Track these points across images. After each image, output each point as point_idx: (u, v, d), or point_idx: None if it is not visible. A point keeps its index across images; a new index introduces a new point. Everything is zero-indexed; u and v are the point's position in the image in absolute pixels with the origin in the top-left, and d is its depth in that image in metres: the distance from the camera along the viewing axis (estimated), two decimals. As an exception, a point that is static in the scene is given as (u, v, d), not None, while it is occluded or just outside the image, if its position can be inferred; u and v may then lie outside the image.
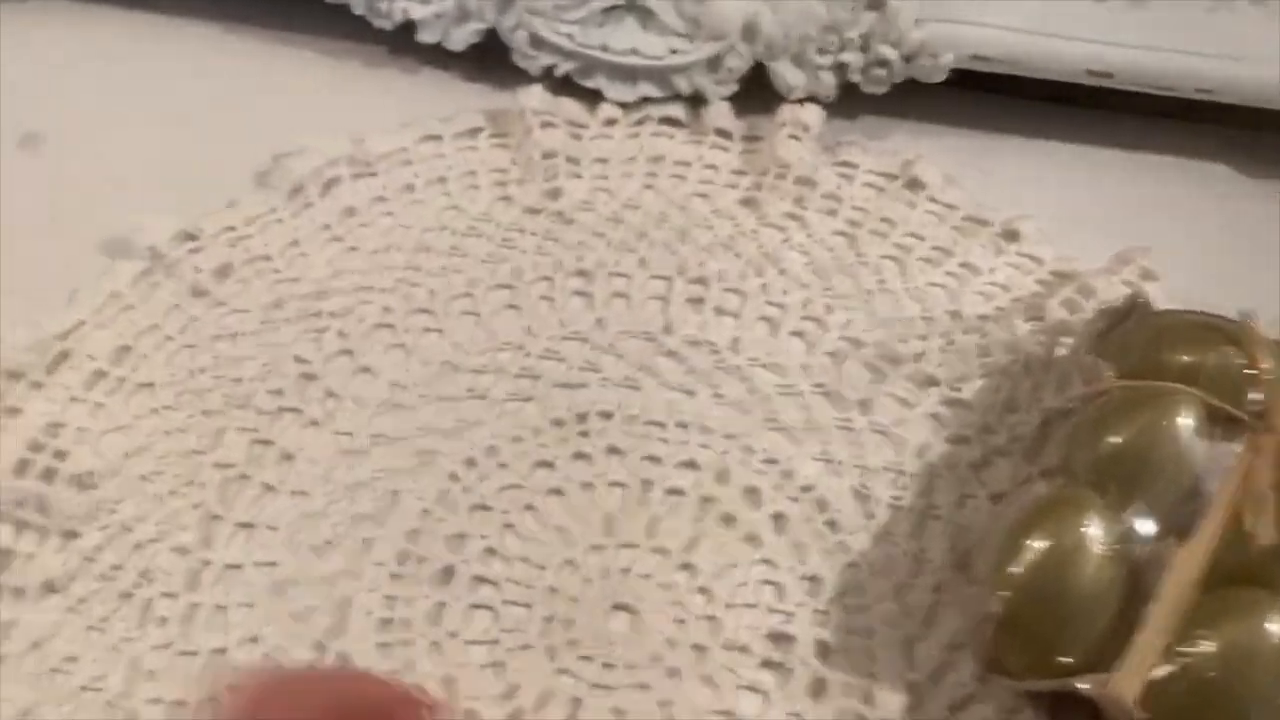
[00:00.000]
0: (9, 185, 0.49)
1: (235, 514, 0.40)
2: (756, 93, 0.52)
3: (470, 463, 0.42)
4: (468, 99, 0.53)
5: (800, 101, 0.51)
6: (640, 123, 0.52)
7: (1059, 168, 0.52)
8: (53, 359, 0.43)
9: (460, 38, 0.51)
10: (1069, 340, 0.45)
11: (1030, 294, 0.47)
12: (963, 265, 0.49)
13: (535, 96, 0.51)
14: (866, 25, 0.49)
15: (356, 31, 0.53)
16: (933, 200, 0.50)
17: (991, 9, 0.49)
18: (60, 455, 0.41)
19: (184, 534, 0.40)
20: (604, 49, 0.50)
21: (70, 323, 0.44)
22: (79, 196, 0.49)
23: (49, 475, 0.40)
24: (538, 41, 0.50)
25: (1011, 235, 0.49)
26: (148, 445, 0.42)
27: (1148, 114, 0.51)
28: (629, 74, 0.51)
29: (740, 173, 0.51)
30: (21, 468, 0.40)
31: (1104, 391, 0.39)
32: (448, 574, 0.40)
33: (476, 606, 0.39)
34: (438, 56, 0.53)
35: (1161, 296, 0.46)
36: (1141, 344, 0.40)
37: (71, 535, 0.39)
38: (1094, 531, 0.36)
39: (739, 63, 0.50)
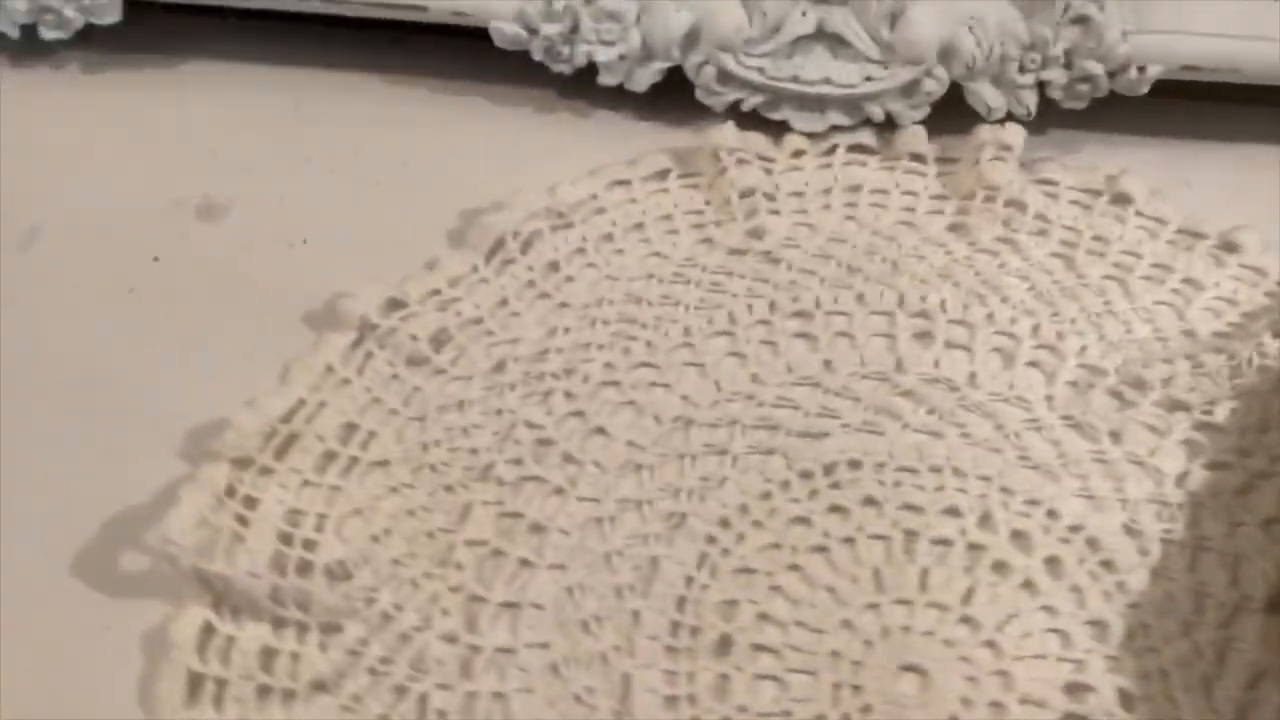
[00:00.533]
0: (196, 258, 0.47)
1: (497, 594, 0.39)
2: (945, 113, 0.50)
3: (724, 523, 0.41)
4: (645, 140, 0.51)
5: (1000, 121, 0.49)
6: (829, 152, 0.51)
7: (1264, 172, 0.50)
8: (280, 443, 0.42)
9: (643, 78, 0.50)
10: (1315, 354, 0.44)
11: (1261, 307, 0.46)
12: (1185, 281, 0.47)
13: (728, 133, 0.49)
14: (1070, 41, 0.47)
15: (522, 75, 0.52)
16: (1141, 215, 0.49)
17: (1199, 15, 0.47)
18: (310, 545, 0.39)
19: (448, 620, 0.38)
20: (795, 80, 0.49)
21: (291, 402, 0.43)
22: (269, 267, 0.47)
23: (304, 568, 0.39)
24: (725, 77, 0.49)
25: (1231, 247, 0.48)
26: (393, 527, 0.40)
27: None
28: (818, 104, 0.49)
29: (942, 197, 0.49)
30: (277, 560, 0.39)
31: (1398, 412, 0.38)
32: (725, 644, 0.38)
33: (761, 677, 0.38)
34: (609, 97, 0.52)
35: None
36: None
37: (334, 629, 0.38)
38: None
39: (936, 86, 0.48)
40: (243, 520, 0.40)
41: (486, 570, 0.39)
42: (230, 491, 0.40)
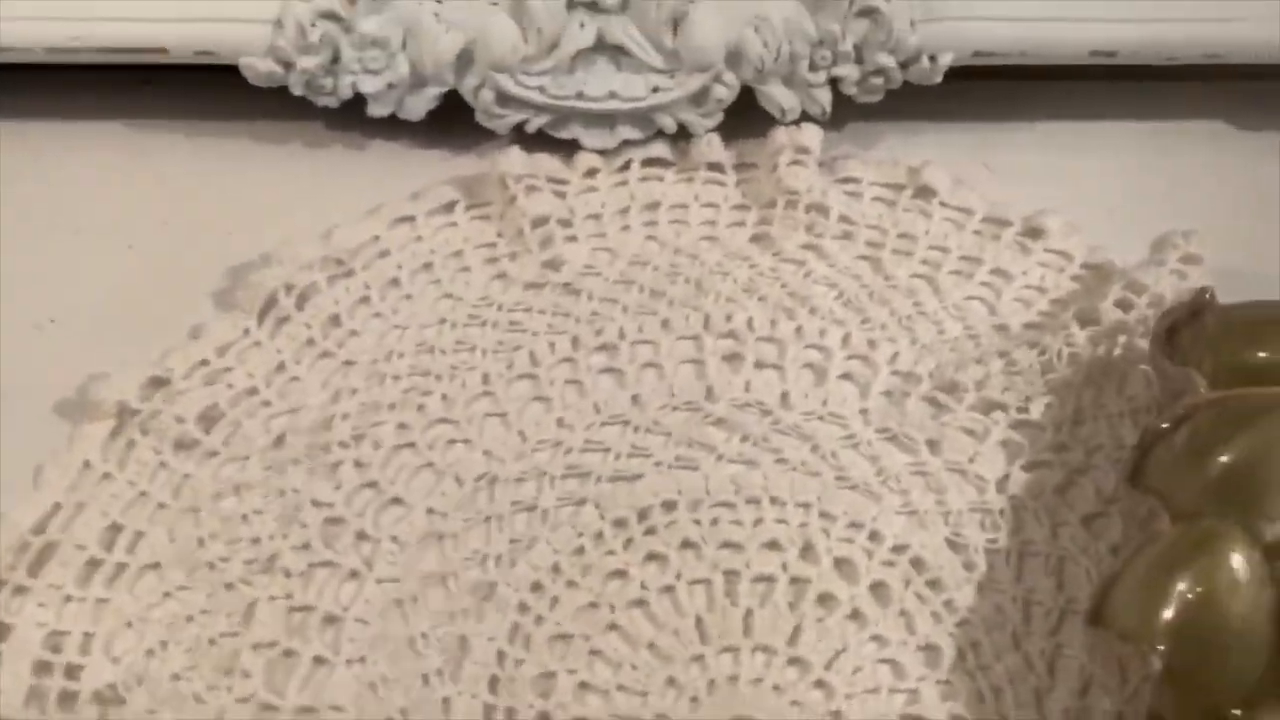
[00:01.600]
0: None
1: (290, 700, 0.36)
2: (740, 118, 0.48)
3: (537, 587, 0.38)
4: (428, 171, 0.48)
5: (795, 122, 0.47)
6: (624, 168, 0.48)
7: (1066, 150, 0.50)
8: (34, 556, 0.37)
9: (417, 107, 0.46)
10: (1123, 339, 0.43)
11: (1070, 294, 0.45)
12: (993, 272, 0.46)
13: (515, 159, 0.46)
14: (859, 35, 0.45)
15: (286, 110, 0.48)
16: (946, 207, 0.48)
17: (986, 2, 0.46)
18: (73, 672, 0.35)
19: (237, 735, 0.35)
20: (580, 97, 0.46)
21: (44, 509, 0.38)
22: (14, 352, 0.42)
23: (68, 700, 0.35)
24: (505, 99, 0.46)
25: (1035, 233, 0.47)
26: (170, 638, 0.36)
27: (1151, 79, 0.49)
28: (607, 119, 0.47)
29: (743, 207, 0.47)
30: (33, 697, 0.35)
31: (1201, 405, 0.37)
32: (544, 722, 0.36)
33: (585, 754, 0.35)
34: (384, 127, 0.48)
35: (1207, 276, 0.44)
36: (1227, 346, 0.38)
37: (110, 763, 0.34)
38: (1240, 562, 0.34)
39: (726, 92, 0.46)
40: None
41: (277, 675, 0.36)
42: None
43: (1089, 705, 0.37)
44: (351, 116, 0.48)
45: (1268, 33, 0.46)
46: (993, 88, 0.50)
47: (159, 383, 0.41)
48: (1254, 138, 0.50)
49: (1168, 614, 0.33)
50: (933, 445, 0.41)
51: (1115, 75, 0.49)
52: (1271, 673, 0.33)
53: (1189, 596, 0.33)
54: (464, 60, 0.45)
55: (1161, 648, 0.33)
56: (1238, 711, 0.33)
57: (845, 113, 0.49)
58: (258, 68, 0.45)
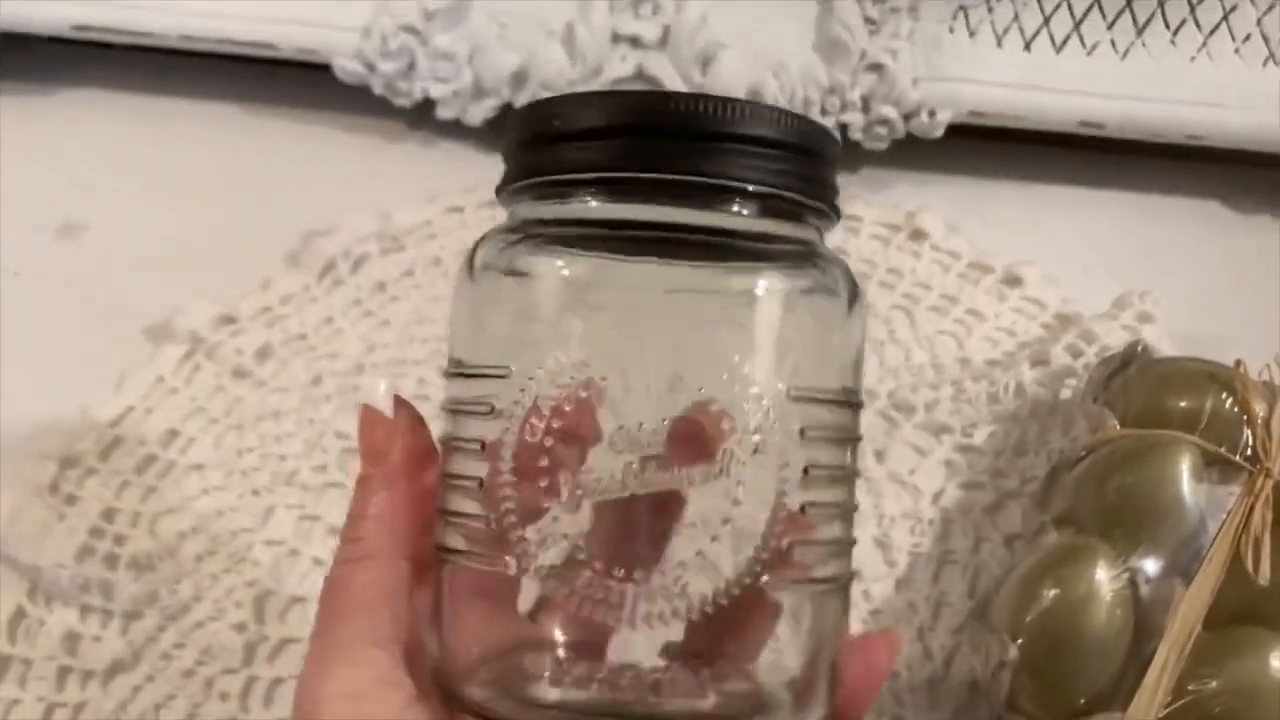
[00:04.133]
0: (51, 274, 0.51)
1: (288, 589, 0.43)
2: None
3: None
4: (482, 169, 0.54)
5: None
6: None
7: (1057, 211, 0.54)
8: (106, 445, 0.45)
9: (477, 113, 0.53)
10: (1073, 383, 0.47)
11: (1035, 339, 0.49)
12: (969, 312, 0.51)
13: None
14: (867, 86, 0.51)
15: (374, 108, 0.56)
16: (936, 249, 0.52)
17: (985, 66, 0.51)
18: (119, 540, 0.43)
19: (240, 611, 0.42)
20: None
21: (120, 408, 0.46)
22: (119, 283, 0.51)
23: (111, 561, 0.42)
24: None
25: (1014, 281, 0.51)
26: (200, 526, 0.44)
27: (1141, 154, 0.53)
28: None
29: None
30: (83, 553, 0.42)
31: (1109, 440, 0.41)
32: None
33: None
34: (452, 130, 0.56)
35: (1160, 335, 0.48)
36: (1142, 391, 0.42)
37: (135, 617, 0.42)
38: (1103, 576, 0.38)
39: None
40: (61, 516, 0.43)
41: (281, 567, 0.43)
42: (54, 488, 0.44)
43: (976, 699, 0.41)
44: (424, 117, 0.55)
45: (1250, 120, 0.49)
46: (994, 148, 0.55)
47: (228, 319, 0.49)
48: (1237, 218, 0.53)
49: (1029, 614, 0.38)
50: (879, 455, 0.46)
51: (1107, 146, 0.53)
52: (1121, 679, 0.37)
53: (1049, 600, 0.37)
54: (519, 77, 0.52)
55: (1019, 640, 0.37)
56: (1080, 699, 0.37)
57: (860, 159, 0.54)
58: (347, 68, 0.53)
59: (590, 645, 0.26)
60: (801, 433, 0.25)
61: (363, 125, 0.56)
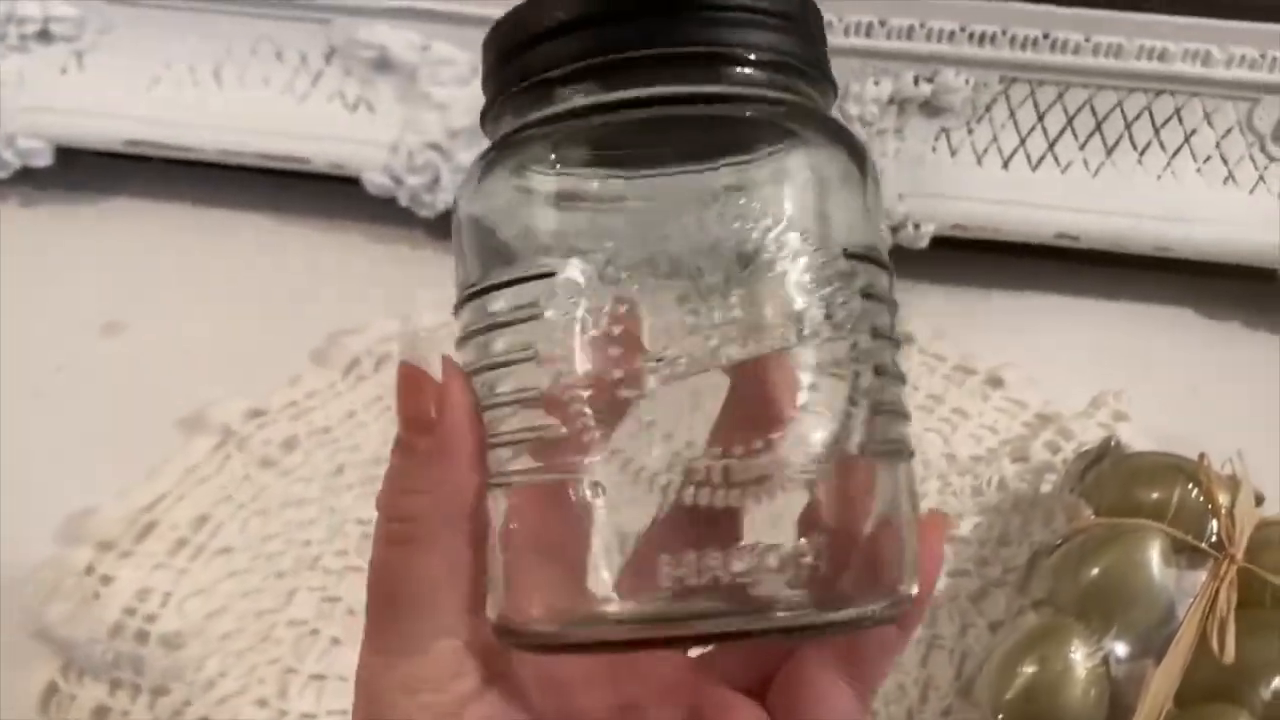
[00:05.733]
0: (94, 369, 0.54)
1: (308, 667, 0.45)
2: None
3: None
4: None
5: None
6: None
7: (1037, 317, 0.57)
8: (140, 529, 0.48)
9: (494, 223, 0.57)
10: (1052, 477, 0.50)
11: (1016, 436, 0.52)
12: (954, 411, 0.54)
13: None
14: (855, 201, 0.54)
15: (399, 218, 0.60)
16: (923, 352, 0.56)
17: (966, 183, 0.54)
18: (150, 619, 0.45)
19: (262, 687, 0.44)
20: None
21: (154, 495, 0.49)
22: (157, 378, 0.54)
23: (141, 637, 0.45)
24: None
25: (996, 382, 0.54)
26: (227, 606, 0.46)
27: (1116, 265, 0.57)
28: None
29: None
30: (116, 630, 0.45)
31: (1084, 528, 0.44)
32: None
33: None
34: (472, 237, 0.59)
35: (1134, 432, 0.51)
36: (1115, 484, 0.45)
37: (162, 692, 0.44)
38: (1078, 656, 0.40)
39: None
40: (97, 595, 0.46)
41: (302, 646, 0.45)
42: (90, 569, 0.47)
43: (964, 778, 0.43)
44: (446, 227, 0.59)
45: (1213, 234, 0.53)
46: (976, 258, 0.58)
47: (257, 413, 0.52)
48: (1208, 324, 0.57)
49: (1010, 690, 0.40)
50: (870, 544, 0.49)
51: (1084, 257, 0.56)
52: (1100, 755, 0.39)
53: (1028, 677, 0.40)
54: (534, 192, 0.56)
55: (1000, 716, 0.39)
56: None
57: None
58: (375, 181, 0.57)
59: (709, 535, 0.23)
60: (864, 293, 0.24)
61: (388, 234, 0.60)
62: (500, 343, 0.25)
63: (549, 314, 0.24)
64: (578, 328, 0.24)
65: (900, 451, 0.26)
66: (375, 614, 0.26)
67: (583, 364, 0.24)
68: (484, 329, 0.25)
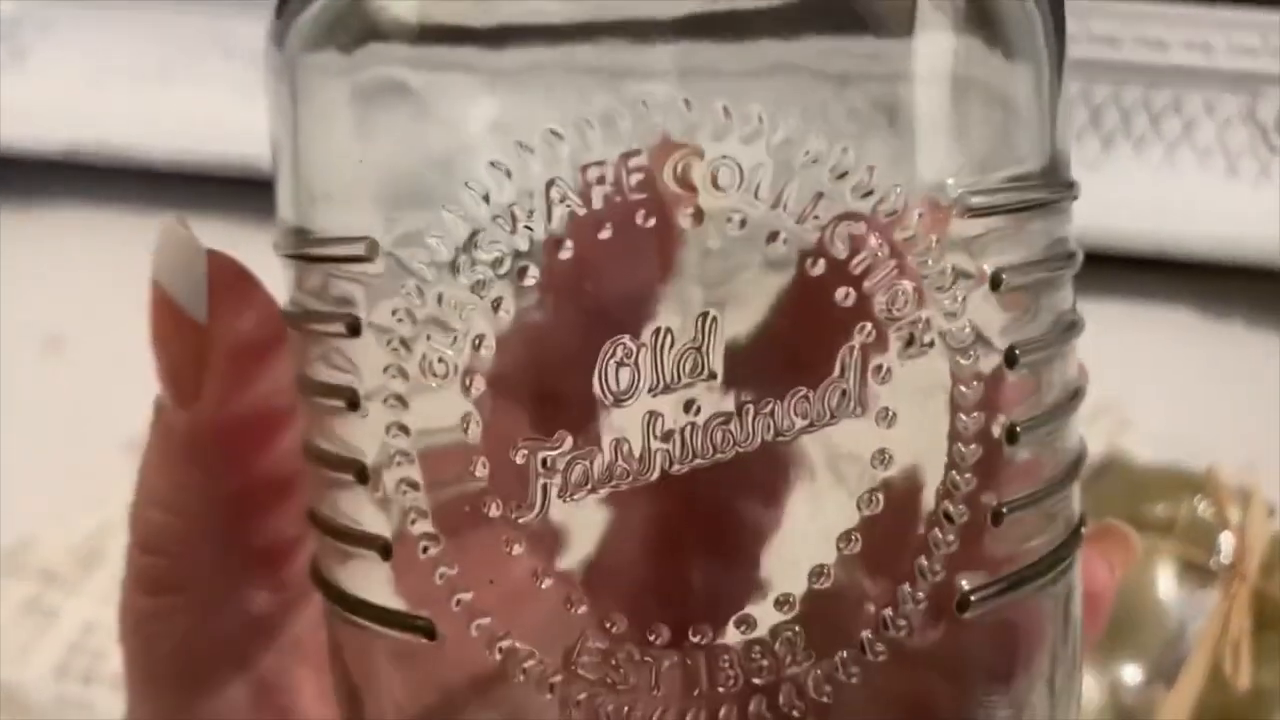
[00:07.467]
0: (35, 388, 0.51)
1: (267, 705, 0.42)
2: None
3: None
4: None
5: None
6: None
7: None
8: (85, 559, 0.45)
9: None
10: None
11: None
12: (945, 419, 0.51)
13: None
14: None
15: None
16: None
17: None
18: (98, 656, 0.43)
19: (218, 728, 0.41)
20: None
21: (100, 522, 0.46)
22: (101, 397, 0.51)
23: (88, 677, 0.42)
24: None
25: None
26: (180, 641, 0.44)
27: (1113, 263, 0.54)
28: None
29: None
30: (61, 671, 0.42)
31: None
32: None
33: None
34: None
35: (1139, 439, 0.49)
36: (1120, 499, 0.43)
37: (110, 736, 0.41)
38: (1089, 683, 0.38)
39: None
40: (41, 631, 0.43)
41: (261, 682, 0.43)
42: (32, 604, 0.44)
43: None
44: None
45: (1209, 229, 0.51)
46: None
47: (211, 432, 0.49)
48: (1211, 326, 0.54)
49: (1015, 722, 0.38)
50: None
51: (1091, 258, 0.54)
52: (1109, 789, 0.37)
53: (1034, 708, 0.38)
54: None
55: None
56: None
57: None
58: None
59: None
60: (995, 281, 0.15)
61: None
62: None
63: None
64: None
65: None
66: (134, 684, 0.22)
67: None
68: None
